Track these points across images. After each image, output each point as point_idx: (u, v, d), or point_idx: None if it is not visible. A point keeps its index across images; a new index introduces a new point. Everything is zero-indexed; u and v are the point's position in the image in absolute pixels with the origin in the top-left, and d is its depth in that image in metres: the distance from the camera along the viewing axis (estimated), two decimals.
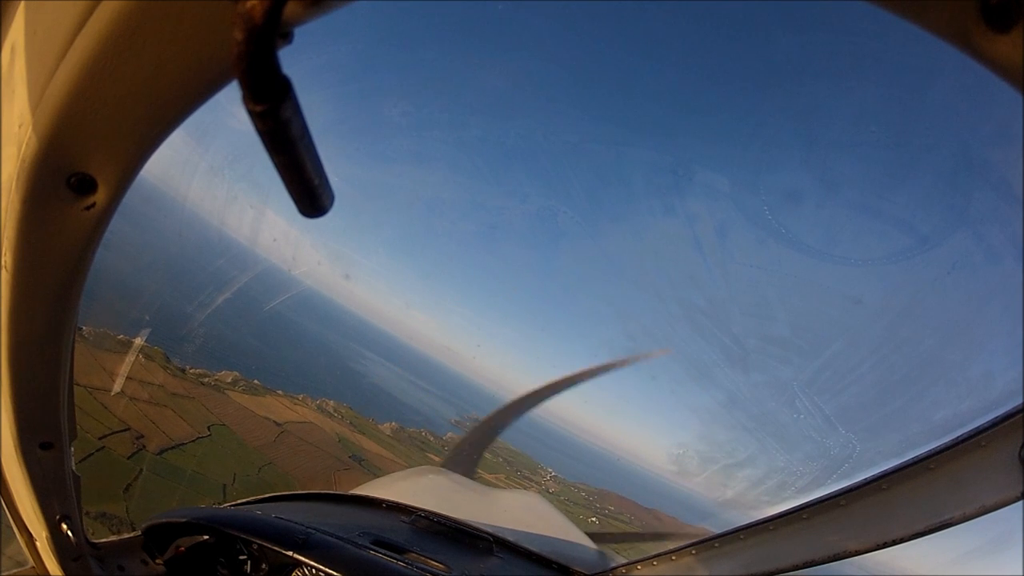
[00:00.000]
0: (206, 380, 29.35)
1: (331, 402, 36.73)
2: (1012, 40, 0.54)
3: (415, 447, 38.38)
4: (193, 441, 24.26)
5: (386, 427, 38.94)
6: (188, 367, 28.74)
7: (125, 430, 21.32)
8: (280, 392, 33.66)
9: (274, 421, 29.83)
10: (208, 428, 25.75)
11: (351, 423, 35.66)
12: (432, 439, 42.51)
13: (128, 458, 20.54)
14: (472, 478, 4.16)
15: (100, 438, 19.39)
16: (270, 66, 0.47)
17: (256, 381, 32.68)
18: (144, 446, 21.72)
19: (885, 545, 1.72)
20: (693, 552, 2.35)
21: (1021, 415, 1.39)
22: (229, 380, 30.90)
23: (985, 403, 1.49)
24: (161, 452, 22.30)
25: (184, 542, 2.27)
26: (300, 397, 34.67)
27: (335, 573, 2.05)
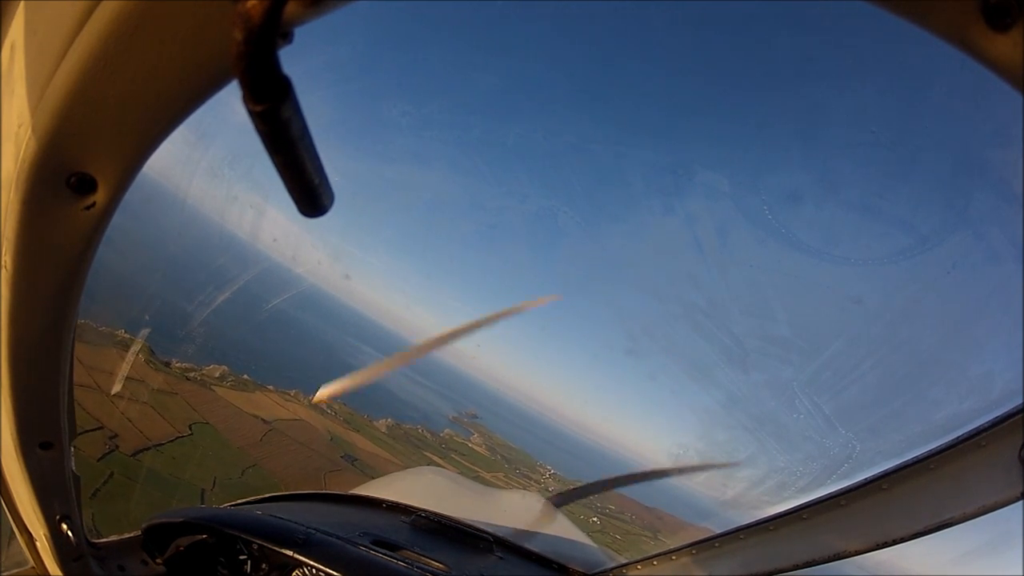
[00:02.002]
0: (192, 375, 27.51)
1: None
2: (1012, 40, 0.54)
3: (411, 445, 37.40)
4: (172, 441, 22.44)
5: (381, 424, 37.91)
6: (173, 361, 26.93)
7: (97, 429, 19.75)
8: (271, 388, 32.07)
9: (262, 419, 28.20)
10: (190, 427, 23.90)
11: (344, 420, 34.32)
12: (428, 436, 41.83)
13: (98, 460, 18.93)
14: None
15: None
16: (270, 66, 0.47)
17: (246, 376, 31.10)
18: (117, 446, 20.05)
19: (885, 545, 1.72)
20: (693, 552, 2.36)
21: (1021, 415, 1.39)
22: (217, 375, 29.29)
23: (985, 403, 1.49)
24: (135, 453, 20.54)
25: (184, 542, 2.27)
26: (292, 393, 33.01)
27: (335, 573, 2.05)
